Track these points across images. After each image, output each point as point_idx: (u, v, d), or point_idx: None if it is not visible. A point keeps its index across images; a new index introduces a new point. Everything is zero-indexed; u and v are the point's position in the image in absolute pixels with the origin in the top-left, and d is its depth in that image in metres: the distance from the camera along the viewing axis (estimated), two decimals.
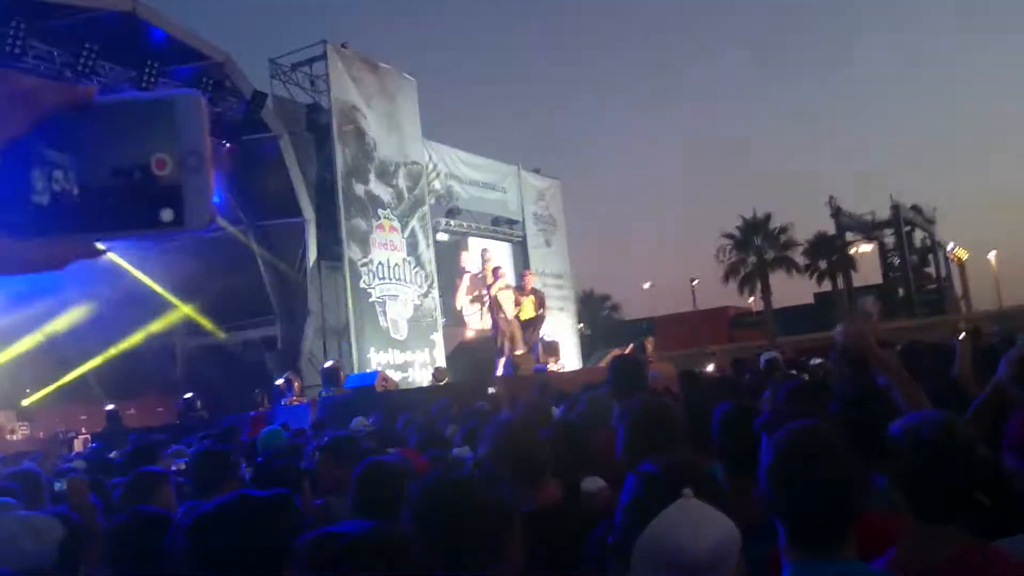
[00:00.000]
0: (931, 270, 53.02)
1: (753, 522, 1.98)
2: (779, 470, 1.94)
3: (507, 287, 15.27)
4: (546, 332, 19.26)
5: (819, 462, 1.90)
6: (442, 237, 20.29)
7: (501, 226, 23.03)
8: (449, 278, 20.13)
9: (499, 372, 14.64)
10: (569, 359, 20.67)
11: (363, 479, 3.17)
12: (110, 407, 15.02)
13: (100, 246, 0.64)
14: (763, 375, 7.74)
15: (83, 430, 15.23)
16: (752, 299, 46.21)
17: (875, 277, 50.71)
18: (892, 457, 2.12)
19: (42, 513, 2.81)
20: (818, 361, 8.77)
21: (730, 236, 43.44)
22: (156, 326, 17.45)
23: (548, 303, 22.79)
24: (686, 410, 3.52)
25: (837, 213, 46.27)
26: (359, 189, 17.17)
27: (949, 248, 52.49)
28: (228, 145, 16.45)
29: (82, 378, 17.30)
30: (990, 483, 2.03)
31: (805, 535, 1.90)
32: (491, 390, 9.03)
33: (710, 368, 9.76)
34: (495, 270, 15.70)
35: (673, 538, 1.59)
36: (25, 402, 17.14)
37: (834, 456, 1.91)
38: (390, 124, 18.54)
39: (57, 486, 4.54)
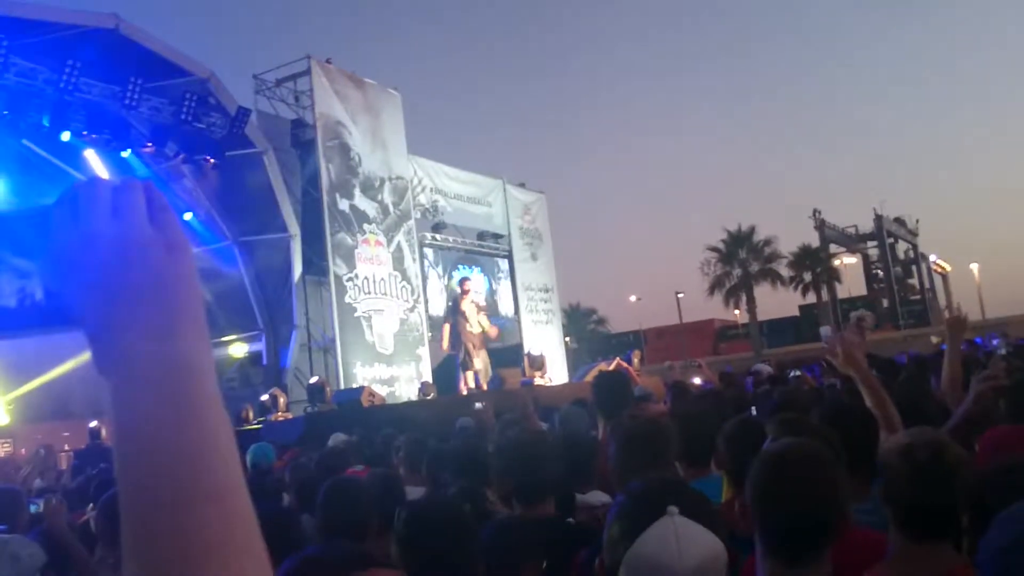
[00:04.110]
0: (915, 282, 53.42)
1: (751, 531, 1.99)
2: (760, 485, 1.95)
3: (473, 302, 15.69)
4: (532, 346, 19.36)
5: (801, 480, 1.90)
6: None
7: (487, 240, 23.02)
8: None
9: (463, 386, 14.96)
10: (556, 373, 20.66)
11: (328, 499, 3.10)
12: (92, 424, 14.88)
13: None
14: (744, 388, 7.77)
15: (66, 446, 15.08)
16: (737, 311, 46.39)
17: (859, 289, 51.12)
18: (882, 476, 2.12)
19: (26, 537, 2.76)
20: (797, 373, 8.79)
21: (715, 249, 43.70)
22: None
23: (535, 316, 23.07)
24: (676, 424, 3.51)
25: (821, 226, 46.57)
26: (344, 204, 17.16)
27: (932, 260, 52.92)
28: (212, 161, 16.41)
29: (66, 394, 17.13)
30: (977, 503, 2.04)
31: (781, 550, 1.90)
32: (478, 405, 8.98)
33: (697, 381, 9.76)
34: (462, 282, 16.26)
35: (658, 556, 1.59)
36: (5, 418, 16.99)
37: (817, 475, 1.91)
38: (375, 139, 18.54)
39: (33, 508, 4.47)
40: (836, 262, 47.48)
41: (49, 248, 0.66)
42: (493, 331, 16.35)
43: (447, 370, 18.17)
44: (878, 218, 49.50)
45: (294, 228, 17.47)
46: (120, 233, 0.65)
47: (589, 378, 13.71)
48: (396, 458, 5.16)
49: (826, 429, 2.69)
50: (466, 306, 15.70)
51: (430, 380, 17.06)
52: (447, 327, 15.97)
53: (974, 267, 51.11)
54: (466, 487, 3.43)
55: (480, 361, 15.52)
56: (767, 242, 43.21)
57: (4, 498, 3.97)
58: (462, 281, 16.94)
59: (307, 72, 17.54)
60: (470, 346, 15.44)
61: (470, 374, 15.44)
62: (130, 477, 0.60)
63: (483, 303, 16.91)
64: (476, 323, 15.65)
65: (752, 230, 43.29)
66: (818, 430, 2.68)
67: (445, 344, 16.43)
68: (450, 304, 16.31)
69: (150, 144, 15.76)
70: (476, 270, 22.01)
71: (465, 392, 14.82)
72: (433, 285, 20.58)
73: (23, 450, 15.37)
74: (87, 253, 0.65)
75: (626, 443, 3.01)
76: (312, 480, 4.08)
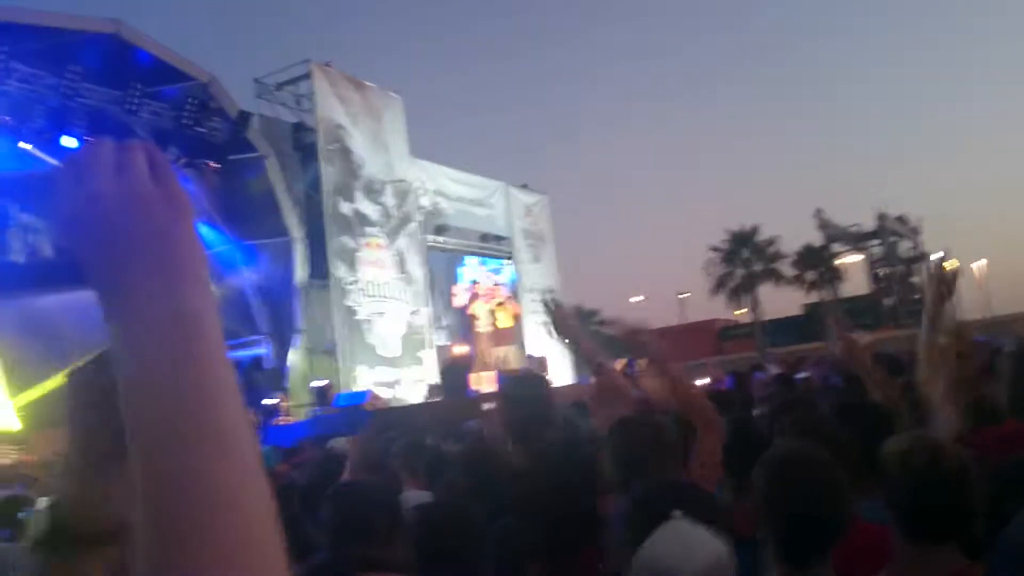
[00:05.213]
0: (917, 280, 53.30)
1: (755, 534, 1.99)
2: (768, 488, 1.97)
3: (484, 301, 15.79)
4: (534, 348, 19.37)
5: (806, 484, 1.93)
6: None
7: (490, 242, 23.04)
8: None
9: (472, 388, 15.03)
10: (560, 374, 20.65)
11: (336, 502, 3.07)
12: None
13: None
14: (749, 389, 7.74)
15: None
16: (741, 311, 46.35)
17: (862, 288, 50.98)
18: (883, 478, 2.12)
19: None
20: (804, 375, 8.73)
21: (718, 249, 43.66)
22: None
23: (538, 318, 23.07)
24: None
25: (824, 225, 46.54)
26: (345, 207, 17.17)
27: (934, 258, 52.82)
28: (214, 165, 16.43)
29: None
30: (982, 504, 2.02)
31: (789, 553, 1.93)
32: (486, 406, 8.93)
33: (699, 382, 9.70)
34: (471, 285, 16.38)
35: (665, 560, 1.59)
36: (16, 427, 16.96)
37: (821, 479, 1.94)
38: (376, 142, 18.56)
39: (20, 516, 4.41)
40: (839, 261, 47.44)
41: (56, 206, 0.69)
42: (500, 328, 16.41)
43: (455, 372, 18.17)
44: (881, 217, 49.45)
45: (296, 232, 17.48)
46: (123, 189, 0.69)
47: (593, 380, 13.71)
48: (394, 461, 5.12)
49: (838, 427, 2.69)
50: (476, 308, 15.79)
51: (435, 382, 17.08)
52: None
53: (977, 264, 51.07)
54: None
55: (491, 361, 15.60)
56: (770, 242, 43.23)
57: (8, 505, 3.96)
58: (472, 284, 17.08)
59: (308, 76, 17.59)
60: (481, 347, 15.54)
61: (475, 376, 15.48)
62: (135, 422, 0.63)
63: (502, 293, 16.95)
64: (486, 324, 15.75)
65: (755, 230, 43.31)
66: (831, 428, 2.67)
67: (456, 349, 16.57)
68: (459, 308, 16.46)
69: None
70: (488, 264, 22.10)
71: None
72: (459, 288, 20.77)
73: (34, 456, 15.35)
74: (92, 209, 0.68)
75: (624, 445, 2.98)
76: (309, 487, 4.05)
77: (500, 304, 16.27)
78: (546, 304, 3.42)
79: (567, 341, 3.34)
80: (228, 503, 0.60)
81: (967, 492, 2.01)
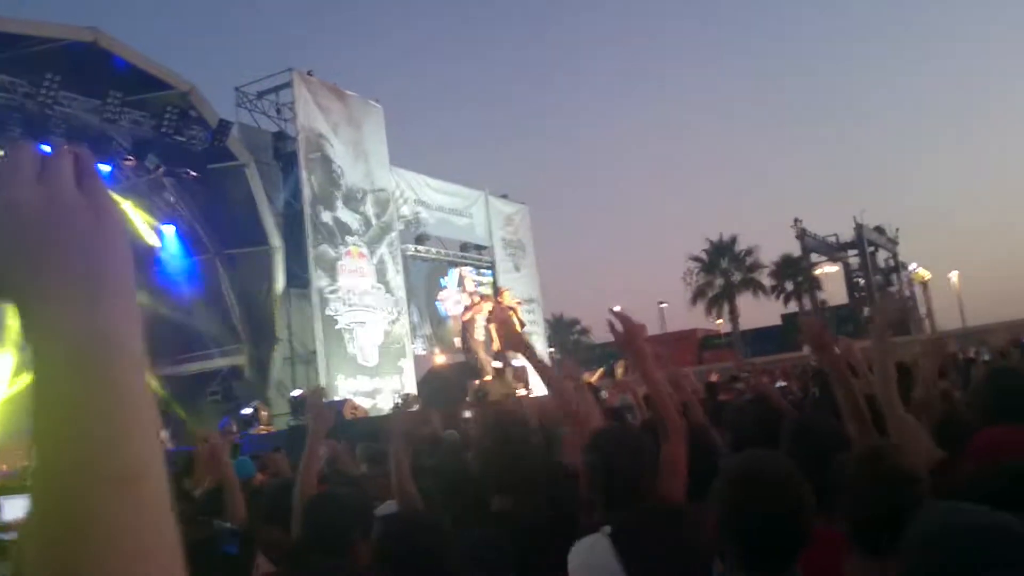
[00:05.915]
0: (895, 290, 53.67)
1: (712, 547, 2.01)
2: (728, 498, 1.96)
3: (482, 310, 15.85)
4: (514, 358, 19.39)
5: (767, 492, 1.91)
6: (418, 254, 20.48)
7: (470, 252, 23.10)
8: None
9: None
10: (539, 385, 20.66)
11: (311, 512, 3.07)
12: None
13: None
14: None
15: None
16: (720, 321, 46.58)
17: (841, 297, 51.27)
18: (837, 489, 2.13)
19: None
20: (783, 384, 8.84)
21: (697, 259, 43.94)
22: None
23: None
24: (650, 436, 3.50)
25: (802, 235, 46.83)
26: (326, 216, 17.15)
27: (911, 268, 53.29)
28: (194, 174, 16.38)
29: None
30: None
31: (751, 562, 1.92)
32: (467, 413, 8.96)
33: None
34: (472, 294, 16.48)
35: (573, 561, 1.69)
36: None
37: (782, 486, 1.92)
38: (357, 151, 18.56)
39: None
40: (817, 271, 47.76)
41: None
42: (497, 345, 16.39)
43: (431, 381, 18.16)
44: (858, 227, 49.76)
45: (276, 241, 17.42)
46: (45, 198, 0.64)
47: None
48: (368, 470, 5.13)
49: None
50: (474, 316, 15.85)
51: (414, 392, 17.04)
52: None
53: (953, 275, 51.54)
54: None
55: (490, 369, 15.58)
56: (749, 252, 43.58)
57: None
58: (480, 297, 17.27)
59: (289, 84, 17.57)
60: (480, 356, 15.60)
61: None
62: (39, 452, 0.58)
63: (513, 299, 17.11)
64: (482, 334, 15.79)
65: (734, 240, 43.66)
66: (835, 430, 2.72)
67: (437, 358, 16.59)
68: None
69: (131, 157, 15.71)
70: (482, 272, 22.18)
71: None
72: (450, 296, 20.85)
73: (3, 466, 15.19)
74: (9, 218, 0.63)
75: (603, 457, 3.01)
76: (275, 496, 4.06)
77: (512, 310, 16.23)
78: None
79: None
80: (131, 550, 0.57)
81: (916, 503, 1.99)
